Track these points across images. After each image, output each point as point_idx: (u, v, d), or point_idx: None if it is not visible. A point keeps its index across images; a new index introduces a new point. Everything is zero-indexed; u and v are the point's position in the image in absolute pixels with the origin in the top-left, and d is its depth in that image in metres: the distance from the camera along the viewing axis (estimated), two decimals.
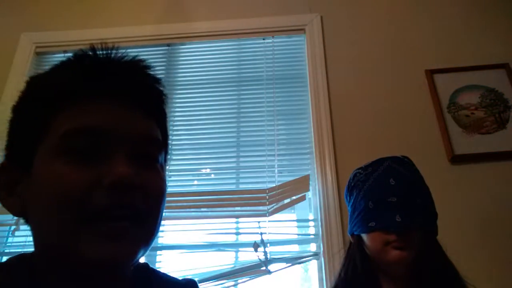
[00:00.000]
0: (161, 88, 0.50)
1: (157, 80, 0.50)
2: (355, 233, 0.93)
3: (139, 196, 0.43)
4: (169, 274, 0.60)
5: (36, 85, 0.48)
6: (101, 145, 0.43)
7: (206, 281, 1.40)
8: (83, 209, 0.40)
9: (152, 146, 0.48)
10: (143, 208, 0.43)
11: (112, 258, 0.41)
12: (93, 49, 0.47)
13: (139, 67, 0.49)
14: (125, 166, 0.42)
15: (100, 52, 0.47)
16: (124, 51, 0.49)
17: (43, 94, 0.46)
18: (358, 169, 0.97)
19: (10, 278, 0.44)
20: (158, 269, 0.59)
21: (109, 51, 0.47)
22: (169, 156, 1.66)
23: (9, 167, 0.47)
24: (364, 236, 0.90)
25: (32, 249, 0.47)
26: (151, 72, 0.50)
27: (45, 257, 0.45)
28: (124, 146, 0.44)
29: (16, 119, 0.48)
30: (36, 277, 0.45)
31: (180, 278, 0.60)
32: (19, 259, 0.48)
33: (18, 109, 0.48)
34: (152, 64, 0.50)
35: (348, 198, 0.99)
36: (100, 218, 0.41)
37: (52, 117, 0.44)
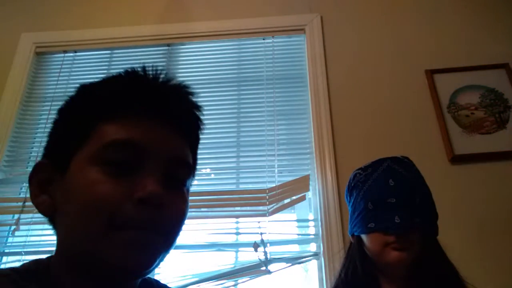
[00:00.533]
0: (200, 115, 0.54)
1: (197, 107, 0.53)
2: (355, 233, 0.93)
3: (165, 215, 0.46)
4: (165, 284, 0.62)
5: (88, 92, 0.51)
6: (139, 160, 0.46)
7: (206, 281, 1.40)
8: (112, 219, 0.43)
9: (183, 169, 0.50)
10: (166, 225, 0.46)
11: (136, 266, 0.43)
12: (142, 67, 0.50)
13: (183, 93, 0.52)
14: (156, 185, 0.45)
15: (151, 73, 0.50)
16: (171, 74, 0.52)
17: (93, 102, 0.49)
18: (358, 169, 0.97)
19: (28, 283, 0.45)
20: (155, 278, 0.62)
21: (159, 73, 0.50)
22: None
23: (46, 165, 0.50)
24: (364, 237, 0.90)
25: (36, 252, 0.48)
26: (193, 98, 0.53)
27: (67, 259, 0.46)
28: (159, 164, 0.47)
29: (62, 121, 0.51)
30: (52, 282, 0.46)
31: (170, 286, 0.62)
32: (35, 264, 0.49)
33: (66, 112, 0.51)
34: (192, 91, 0.53)
35: (348, 198, 0.99)
36: (127, 228, 0.43)
37: (97, 125, 0.47)
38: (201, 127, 0.55)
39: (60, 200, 0.47)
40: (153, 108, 0.48)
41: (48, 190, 0.48)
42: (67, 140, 0.48)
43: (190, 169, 0.52)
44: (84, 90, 0.51)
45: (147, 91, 0.49)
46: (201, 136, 0.57)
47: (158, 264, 0.46)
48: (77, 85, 0.52)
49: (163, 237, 0.46)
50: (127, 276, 0.45)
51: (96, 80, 0.52)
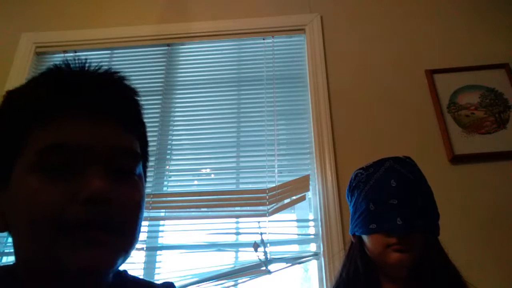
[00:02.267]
0: (137, 99, 0.51)
1: (132, 91, 0.51)
2: (356, 233, 0.93)
3: (115, 209, 0.44)
4: (145, 279, 0.61)
5: (13, 100, 0.48)
6: (76, 161, 0.44)
7: (206, 281, 1.40)
8: (57, 224, 0.41)
9: (128, 159, 0.48)
10: (120, 220, 0.44)
11: (90, 266, 0.42)
12: (66, 63, 0.48)
13: (113, 80, 0.49)
14: (99, 181, 0.43)
15: (74, 66, 0.48)
16: (98, 64, 0.49)
17: (19, 110, 0.46)
18: (359, 169, 0.97)
19: None
20: (134, 275, 0.59)
21: (82, 65, 0.48)
22: (168, 156, 1.67)
23: None
24: (365, 237, 0.90)
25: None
26: (126, 83, 0.50)
27: (25, 268, 0.45)
28: (99, 161, 0.45)
29: None
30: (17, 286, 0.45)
31: (157, 283, 0.60)
32: (1, 271, 0.48)
33: (1, 120, 0.48)
34: (120, 71, 0.50)
35: (349, 198, 0.99)
36: (75, 230, 0.41)
37: (28, 132, 0.45)
38: (140, 109, 0.52)
39: (8, 217, 0.45)
40: (80, 103, 0.45)
41: None
42: (2, 151, 0.46)
43: (137, 156, 0.49)
44: (9, 96, 0.49)
45: (70, 85, 0.46)
46: (144, 117, 0.53)
47: (120, 263, 0.45)
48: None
49: (119, 233, 0.44)
50: (88, 277, 0.43)
51: (21, 84, 0.49)
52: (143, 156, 0.52)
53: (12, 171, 0.45)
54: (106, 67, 0.49)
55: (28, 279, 0.45)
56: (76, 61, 0.49)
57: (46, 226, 0.41)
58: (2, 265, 0.49)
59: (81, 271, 0.41)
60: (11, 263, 0.49)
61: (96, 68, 0.49)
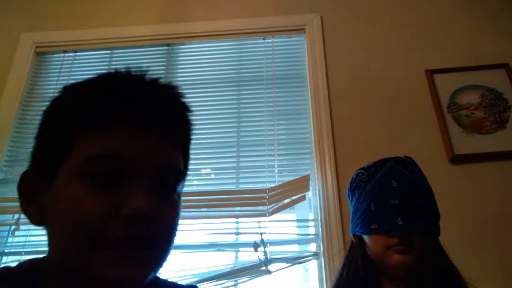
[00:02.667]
0: (190, 116, 0.50)
1: (186, 108, 0.50)
2: (357, 233, 0.93)
3: (155, 227, 0.43)
4: (170, 280, 0.61)
5: (69, 99, 0.47)
6: (124, 172, 0.43)
7: (206, 281, 1.40)
8: (98, 236, 0.41)
9: (173, 176, 0.47)
10: (157, 237, 0.44)
11: (129, 280, 0.41)
12: (127, 70, 0.47)
13: (170, 95, 0.48)
14: (144, 198, 0.42)
15: (133, 75, 0.47)
16: (155, 75, 0.48)
17: (73, 111, 0.45)
18: (360, 169, 0.97)
19: (22, 284, 0.45)
20: (159, 276, 0.58)
21: (140, 75, 0.47)
22: None
23: (33, 175, 0.47)
24: (366, 238, 0.90)
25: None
26: (182, 100, 0.49)
27: (58, 271, 0.45)
28: (146, 175, 0.44)
29: (45, 128, 0.48)
30: (45, 284, 0.46)
31: (183, 284, 0.61)
32: (31, 264, 0.48)
33: (48, 117, 0.48)
34: (181, 94, 0.49)
35: (350, 197, 0.99)
36: (113, 245, 0.41)
37: (80, 136, 0.44)
38: (191, 127, 0.51)
39: (47, 213, 0.45)
40: (135, 114, 0.44)
41: (38, 200, 0.47)
42: (50, 152, 0.46)
43: (180, 174, 0.49)
44: (65, 94, 0.48)
45: (128, 97, 0.45)
46: (192, 136, 0.53)
47: (152, 276, 0.44)
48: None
49: (155, 250, 0.44)
50: None
51: (80, 80, 0.48)
52: (185, 174, 0.52)
53: (58, 170, 0.45)
54: (165, 81, 0.48)
55: (57, 282, 0.45)
56: (134, 70, 0.47)
57: (84, 236, 0.41)
58: (32, 259, 0.49)
59: (118, 283, 0.41)
60: (39, 258, 0.49)
61: (155, 79, 0.48)
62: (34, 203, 0.47)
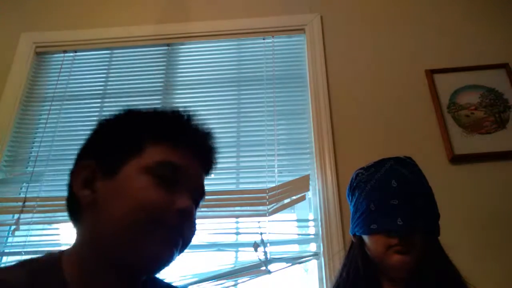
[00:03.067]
0: (217, 155, 0.68)
1: (216, 150, 0.68)
2: (357, 233, 0.92)
3: (190, 224, 0.59)
4: (163, 280, 0.72)
5: (141, 117, 0.64)
6: (177, 178, 0.58)
7: (206, 281, 1.40)
8: (156, 220, 0.54)
9: (201, 196, 0.64)
10: (189, 232, 0.59)
11: (162, 260, 0.55)
12: (182, 111, 0.66)
13: (210, 135, 0.66)
14: (189, 200, 0.58)
15: (187, 114, 0.65)
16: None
17: (147, 126, 0.62)
18: (360, 169, 0.97)
19: (43, 274, 0.54)
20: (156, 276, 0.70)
21: (192, 115, 0.65)
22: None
23: (92, 166, 0.59)
24: (366, 238, 0.90)
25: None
26: (214, 143, 0.67)
27: (93, 249, 0.56)
28: (189, 188, 0.60)
29: (114, 135, 0.62)
30: (66, 273, 0.55)
31: (177, 286, 0.73)
32: (49, 256, 0.58)
33: (123, 124, 0.63)
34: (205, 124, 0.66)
35: (350, 197, 0.99)
36: (165, 229, 0.55)
37: (149, 144, 0.59)
38: (216, 165, 0.69)
39: (106, 196, 0.56)
40: (189, 143, 0.62)
41: (93, 186, 0.58)
42: (121, 151, 0.59)
43: (204, 196, 0.65)
44: (136, 114, 0.64)
45: (187, 129, 0.63)
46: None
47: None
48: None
49: (185, 242, 0.58)
50: (151, 268, 0.55)
51: (144, 109, 0.66)
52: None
53: (124, 166, 0.57)
54: (206, 128, 0.66)
55: (86, 262, 0.56)
56: (187, 111, 0.66)
57: (146, 218, 0.53)
58: (49, 252, 0.59)
59: (153, 261, 0.54)
60: (57, 251, 0.59)
61: (200, 120, 0.66)
62: (88, 188, 0.58)
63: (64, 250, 0.59)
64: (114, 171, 0.57)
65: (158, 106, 1.57)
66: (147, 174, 0.56)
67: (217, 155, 0.67)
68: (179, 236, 0.56)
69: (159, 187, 0.56)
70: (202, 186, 0.65)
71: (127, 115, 0.64)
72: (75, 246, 0.59)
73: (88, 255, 0.56)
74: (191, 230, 0.59)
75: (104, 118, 0.65)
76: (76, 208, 0.59)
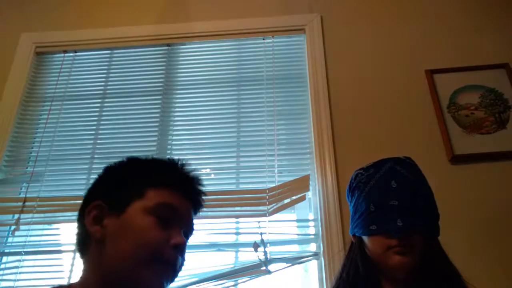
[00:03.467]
0: (204, 196, 0.81)
1: (204, 193, 0.81)
2: (356, 234, 0.92)
3: (182, 257, 0.71)
4: None
5: (142, 166, 0.76)
6: (174, 218, 0.70)
7: (206, 281, 1.40)
8: (155, 255, 0.65)
9: (191, 232, 0.77)
10: (180, 264, 0.71)
11: (159, 285, 0.66)
12: (177, 160, 0.78)
13: (199, 180, 0.79)
14: (182, 237, 0.70)
15: (179, 163, 0.78)
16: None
17: (148, 174, 0.73)
18: (360, 169, 0.96)
19: None
20: None
21: (185, 163, 0.78)
22: (169, 156, 1.67)
23: (102, 206, 0.70)
24: (365, 239, 0.90)
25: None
26: (203, 184, 0.80)
27: (104, 277, 0.65)
28: (181, 225, 0.72)
29: (123, 178, 0.73)
30: None
31: None
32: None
33: (126, 173, 0.75)
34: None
35: (349, 198, 0.98)
36: (162, 263, 0.66)
37: (150, 188, 0.71)
38: (202, 208, 0.81)
39: (113, 233, 0.67)
40: (183, 187, 0.74)
41: (102, 223, 0.68)
42: (127, 195, 0.70)
43: (193, 232, 0.78)
44: (139, 162, 0.77)
45: (181, 176, 0.76)
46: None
47: None
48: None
49: (176, 272, 0.70)
50: None
51: (144, 157, 0.78)
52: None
53: (129, 206, 0.68)
54: (196, 174, 0.79)
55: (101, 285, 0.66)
56: (180, 160, 0.78)
57: (147, 253, 0.64)
58: (60, 285, 0.67)
59: (149, 285, 0.65)
60: (66, 284, 0.69)
61: (191, 168, 0.79)
62: (98, 224, 0.68)
63: (72, 283, 0.68)
64: (121, 210, 0.68)
65: (155, 152, 1.68)
66: (149, 215, 0.68)
67: (204, 197, 0.80)
68: (171, 270, 0.68)
69: (158, 226, 0.67)
70: (192, 223, 0.77)
71: (130, 163, 0.77)
72: (83, 278, 0.68)
73: (96, 284, 0.66)
74: (182, 263, 0.71)
75: (110, 164, 0.77)
76: (85, 243, 0.70)
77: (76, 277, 0.69)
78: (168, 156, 1.68)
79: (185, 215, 0.73)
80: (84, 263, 0.70)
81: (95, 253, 0.67)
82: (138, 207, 0.68)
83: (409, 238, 0.83)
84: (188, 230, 0.75)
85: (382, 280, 0.89)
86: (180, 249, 0.69)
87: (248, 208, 1.52)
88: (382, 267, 0.87)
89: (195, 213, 0.79)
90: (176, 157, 0.79)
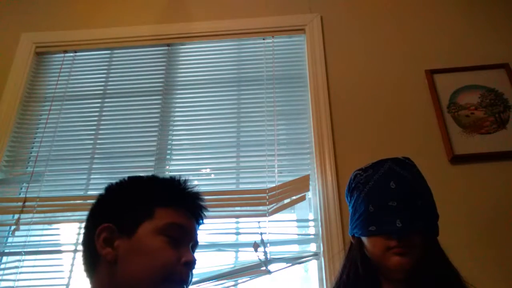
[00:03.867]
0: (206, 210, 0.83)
1: (205, 209, 0.83)
2: (356, 235, 0.92)
3: (192, 274, 0.72)
4: None
5: (149, 185, 0.77)
6: (183, 237, 0.72)
7: (206, 281, 1.40)
8: (168, 274, 0.67)
9: (196, 246, 0.79)
10: (191, 281, 0.72)
11: None
12: (181, 180, 0.79)
13: (200, 196, 0.81)
14: (191, 254, 0.72)
15: (182, 180, 0.79)
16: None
17: (156, 194, 0.75)
18: (358, 170, 0.96)
19: None
20: None
21: (187, 180, 0.80)
22: (169, 156, 1.67)
23: (112, 228, 0.70)
24: (365, 239, 0.89)
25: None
26: (203, 199, 0.82)
27: None
28: (190, 240, 0.75)
29: (132, 199, 0.74)
30: None
31: None
32: None
33: (134, 194, 0.75)
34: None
35: (348, 198, 0.98)
36: (175, 281, 0.68)
37: (157, 209, 0.72)
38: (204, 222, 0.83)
39: (124, 255, 0.68)
40: (188, 203, 0.77)
41: (113, 244, 0.69)
42: (136, 216, 0.71)
43: (198, 245, 0.79)
44: (142, 183, 0.78)
45: (185, 194, 0.78)
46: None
47: None
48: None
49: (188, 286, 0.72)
50: None
51: (146, 177, 0.79)
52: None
53: (139, 228, 0.70)
54: (196, 189, 0.81)
55: None
56: (183, 178, 0.80)
57: (161, 273, 0.66)
58: None
59: None
60: None
61: (194, 185, 0.81)
62: (109, 246, 0.69)
63: None
64: (132, 231, 0.69)
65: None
66: (160, 235, 0.69)
67: (206, 209, 0.83)
68: (185, 285, 0.70)
69: (169, 245, 0.69)
70: (197, 238, 0.79)
71: (134, 183, 0.78)
72: None
73: None
74: (191, 279, 0.73)
75: (111, 184, 0.78)
76: (94, 263, 0.71)
77: (77, 279, 0.70)
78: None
79: (191, 231, 0.76)
80: (92, 283, 0.71)
81: (105, 274, 0.68)
82: (148, 228, 0.70)
83: (408, 238, 0.83)
84: (194, 244, 0.77)
85: (381, 281, 0.89)
86: (191, 266, 0.71)
87: (248, 208, 1.52)
88: (382, 267, 0.87)
89: (198, 227, 0.81)
90: (176, 175, 0.82)
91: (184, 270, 0.69)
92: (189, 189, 0.79)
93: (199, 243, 0.81)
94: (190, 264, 0.70)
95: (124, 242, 0.69)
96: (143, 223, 0.70)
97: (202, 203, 0.81)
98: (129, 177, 0.79)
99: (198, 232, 0.80)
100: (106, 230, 0.70)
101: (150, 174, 0.82)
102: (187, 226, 0.74)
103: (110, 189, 0.78)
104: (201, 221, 0.81)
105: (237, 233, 1.55)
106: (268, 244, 1.43)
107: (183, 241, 0.72)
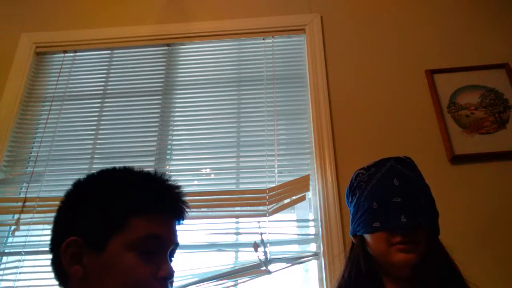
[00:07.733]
0: (186, 204, 0.73)
1: (187, 206, 0.73)
2: (358, 233, 0.92)
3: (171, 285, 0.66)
4: None
5: (118, 190, 0.66)
6: (160, 248, 0.65)
7: (206, 281, 1.40)
8: None
9: (176, 247, 0.70)
10: None
11: None
12: (158, 176, 0.70)
13: (181, 196, 0.71)
14: (169, 265, 0.65)
15: (159, 176, 0.69)
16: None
17: (126, 201, 0.65)
18: (360, 169, 0.96)
19: None
20: None
21: (168, 179, 0.70)
22: (168, 156, 1.67)
23: (79, 242, 0.62)
24: (368, 237, 0.89)
25: None
26: (183, 192, 0.72)
27: None
28: (168, 249, 0.66)
29: (95, 210, 0.64)
30: None
31: None
32: None
33: (103, 201, 0.65)
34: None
35: (349, 199, 0.98)
36: None
37: (129, 218, 0.63)
38: (185, 218, 0.74)
39: (95, 272, 0.61)
40: (166, 209, 0.67)
41: (82, 261, 0.62)
42: (105, 228, 0.62)
43: (178, 245, 0.71)
44: (112, 184, 0.67)
45: (165, 195, 0.68)
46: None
47: None
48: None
49: None
50: None
51: (118, 173, 0.69)
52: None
53: (109, 241, 0.62)
54: (175, 183, 0.71)
55: None
56: (164, 175, 0.70)
57: None
58: None
59: None
60: None
61: (175, 184, 0.71)
62: (78, 263, 0.62)
63: None
64: (101, 247, 0.61)
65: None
66: (133, 250, 0.61)
67: (187, 205, 0.73)
68: None
69: (144, 261, 0.61)
70: (176, 239, 0.70)
71: (103, 184, 0.67)
72: None
73: None
74: (172, 285, 0.68)
75: (79, 180, 0.69)
76: (62, 276, 0.64)
77: None
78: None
79: (170, 237, 0.67)
80: None
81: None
82: (119, 243, 0.62)
83: (412, 234, 0.83)
84: (173, 249, 0.69)
85: (384, 279, 0.89)
86: (169, 278, 0.64)
87: (248, 208, 1.52)
88: (385, 265, 0.87)
89: (179, 224, 0.72)
90: (152, 169, 0.74)
91: (161, 284, 0.62)
92: (169, 188, 0.70)
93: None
94: (168, 278, 0.64)
95: (93, 258, 0.61)
96: (114, 237, 0.62)
97: (184, 201, 0.72)
98: (99, 173, 0.69)
99: (178, 232, 0.71)
100: (73, 244, 0.62)
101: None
102: (165, 234, 0.65)
103: (78, 186, 0.69)
104: (182, 218, 0.72)
105: (237, 233, 1.55)
106: (268, 244, 1.43)
107: (161, 251, 0.65)
